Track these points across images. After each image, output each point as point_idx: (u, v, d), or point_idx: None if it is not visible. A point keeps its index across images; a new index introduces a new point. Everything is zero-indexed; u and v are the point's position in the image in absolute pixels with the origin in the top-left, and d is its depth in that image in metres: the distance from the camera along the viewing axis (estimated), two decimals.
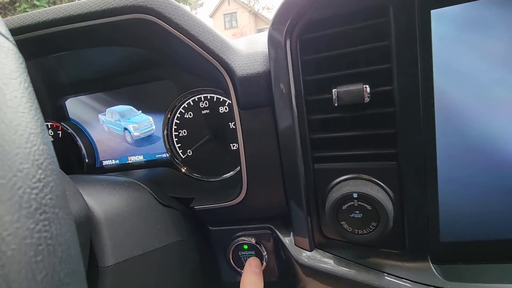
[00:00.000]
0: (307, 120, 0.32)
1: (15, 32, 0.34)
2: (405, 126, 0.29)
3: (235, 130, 0.51)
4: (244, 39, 0.54)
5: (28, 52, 0.38)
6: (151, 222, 0.34)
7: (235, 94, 0.35)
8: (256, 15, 22.30)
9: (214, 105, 0.52)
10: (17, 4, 5.50)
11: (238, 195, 0.38)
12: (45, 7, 5.16)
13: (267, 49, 0.33)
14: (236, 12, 21.42)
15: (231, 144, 0.52)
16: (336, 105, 0.30)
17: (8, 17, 0.35)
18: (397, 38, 0.28)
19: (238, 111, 0.35)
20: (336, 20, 0.29)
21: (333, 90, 0.30)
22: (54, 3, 5.40)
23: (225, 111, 0.51)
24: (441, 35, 0.27)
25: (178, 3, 0.34)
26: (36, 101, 0.12)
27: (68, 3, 0.33)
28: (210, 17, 22.68)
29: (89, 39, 0.35)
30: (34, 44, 0.36)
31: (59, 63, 0.45)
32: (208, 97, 0.52)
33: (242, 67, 0.34)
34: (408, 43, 0.27)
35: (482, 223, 0.30)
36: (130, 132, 0.58)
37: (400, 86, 0.28)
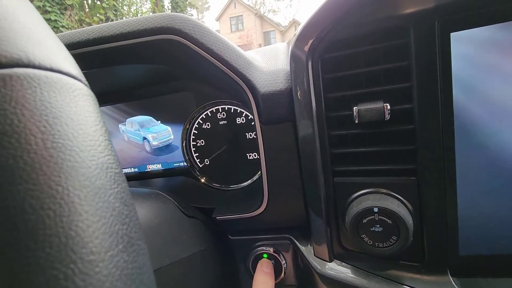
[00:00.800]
0: (328, 136, 0.33)
1: None
2: (425, 143, 0.30)
3: (252, 140, 0.53)
4: (258, 51, 0.56)
5: None
6: (176, 233, 0.36)
7: (257, 110, 0.36)
8: (262, 18, 22.39)
9: (232, 116, 0.53)
10: None
11: (259, 207, 0.39)
12: (57, 13, 5.27)
13: (289, 66, 0.34)
14: (242, 15, 21.55)
15: (247, 154, 0.54)
16: (356, 121, 0.31)
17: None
18: (417, 58, 0.29)
19: (260, 126, 0.37)
20: (357, 41, 0.30)
21: (354, 107, 0.31)
22: (66, 9, 5.52)
23: (242, 122, 0.53)
24: (460, 56, 0.28)
25: (199, 21, 0.36)
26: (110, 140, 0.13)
27: (105, 24, 0.35)
28: (217, 20, 22.87)
29: (122, 57, 0.37)
30: None
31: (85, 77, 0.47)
32: (226, 109, 0.53)
33: (264, 84, 0.35)
34: (428, 63, 0.28)
35: (501, 237, 0.31)
36: (149, 142, 0.60)
37: (420, 104, 0.29)
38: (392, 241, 0.31)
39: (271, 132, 0.37)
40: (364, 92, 0.31)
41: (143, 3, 9.06)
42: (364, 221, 0.32)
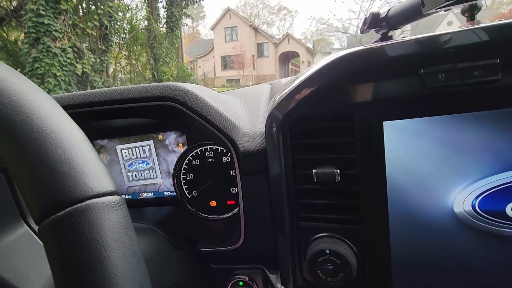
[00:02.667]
0: (294, 189, 0.42)
1: (70, 107, 0.44)
2: (366, 200, 0.39)
3: (235, 177, 0.61)
4: (244, 95, 0.64)
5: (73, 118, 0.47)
6: (166, 263, 0.43)
7: (238, 164, 0.44)
8: (256, 30, 22.78)
9: (218, 155, 0.61)
10: (22, 12, 5.61)
11: (237, 242, 0.47)
12: (51, 17, 5.27)
13: (264, 131, 0.42)
14: (236, 26, 21.88)
15: (231, 188, 0.62)
16: (315, 180, 0.40)
17: (67, 94, 0.44)
18: (360, 136, 0.37)
19: (240, 176, 0.45)
20: (317, 119, 0.39)
21: (313, 170, 0.39)
22: (60, 14, 5.53)
23: (227, 160, 0.61)
24: (391, 138, 0.37)
25: (194, 88, 0.44)
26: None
27: (115, 88, 0.43)
28: (211, 29, 23.11)
29: (127, 114, 0.45)
30: (80, 115, 0.45)
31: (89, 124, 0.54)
32: (214, 148, 0.61)
33: (244, 145, 0.43)
34: (367, 141, 0.37)
35: (428, 274, 0.39)
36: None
37: (362, 171, 0.38)
38: (340, 276, 0.39)
39: (249, 181, 0.45)
40: (321, 158, 0.40)
41: (138, 10, 9.15)
42: (319, 259, 0.40)
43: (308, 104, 0.38)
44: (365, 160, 0.38)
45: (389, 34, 0.49)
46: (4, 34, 6.94)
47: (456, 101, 0.35)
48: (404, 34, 0.49)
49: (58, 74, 5.48)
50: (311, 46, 28.32)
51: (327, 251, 0.39)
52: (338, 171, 0.38)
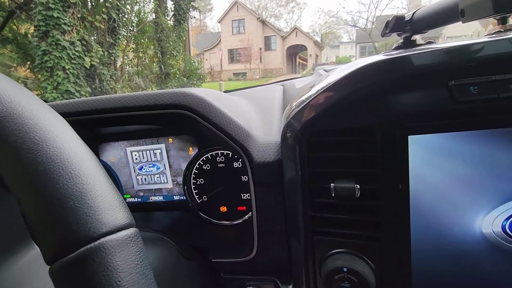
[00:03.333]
0: (310, 202, 0.40)
1: (81, 113, 0.43)
2: (387, 217, 0.37)
3: (246, 182, 0.59)
4: (250, 95, 0.63)
5: (84, 124, 0.46)
6: (177, 276, 0.42)
7: (251, 174, 0.43)
8: (263, 23, 22.53)
9: (229, 160, 0.60)
10: (32, 5, 5.63)
11: (250, 254, 0.45)
12: (60, 11, 5.29)
13: (279, 141, 0.41)
14: (244, 19, 21.66)
15: (242, 194, 0.60)
16: (333, 195, 0.38)
17: (78, 100, 0.43)
18: (382, 150, 0.35)
19: (254, 187, 0.43)
20: (337, 131, 0.37)
21: (331, 184, 0.38)
22: (69, 7, 5.54)
23: (239, 166, 0.59)
24: (416, 153, 0.35)
25: (208, 98, 0.43)
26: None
27: (127, 94, 0.41)
28: (219, 22, 22.94)
29: (136, 121, 0.43)
30: (91, 121, 0.44)
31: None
32: (225, 153, 0.60)
33: (259, 155, 0.42)
34: (390, 155, 0.35)
35: None
36: None
37: (384, 187, 0.36)
38: None
39: (263, 192, 0.43)
40: (340, 171, 0.38)
41: (146, 3, 9.11)
42: (336, 277, 0.38)
43: (328, 115, 0.36)
44: (387, 175, 0.36)
45: (412, 38, 0.46)
46: (15, 27, 7.00)
47: (489, 116, 0.32)
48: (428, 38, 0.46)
49: (67, 67, 5.50)
50: (319, 39, 27.91)
51: (345, 269, 0.37)
52: (358, 186, 0.37)
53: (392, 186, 0.36)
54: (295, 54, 25.04)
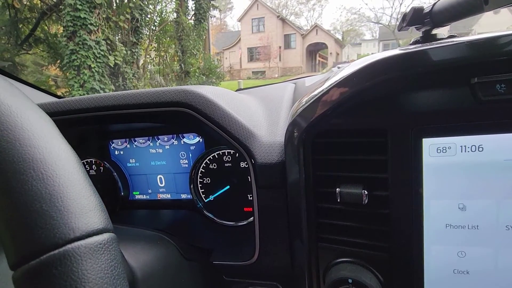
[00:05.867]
0: (314, 207, 0.38)
1: (84, 111, 0.43)
2: (397, 226, 0.34)
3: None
4: (259, 93, 0.61)
5: (90, 121, 0.46)
6: (177, 277, 0.41)
7: (254, 175, 0.41)
8: (283, 21, 22.35)
9: (236, 159, 0.58)
10: (62, 6, 5.91)
11: (252, 257, 0.44)
12: (86, 11, 5.51)
13: (283, 140, 0.38)
14: (264, 17, 21.58)
15: (248, 195, 0.59)
16: (338, 200, 0.35)
17: (81, 97, 0.43)
18: (394, 154, 0.32)
19: (256, 188, 0.41)
20: (344, 132, 0.35)
21: (337, 189, 0.35)
22: (95, 8, 5.76)
23: (246, 166, 0.58)
24: (431, 157, 0.31)
25: (209, 90, 0.41)
26: None
27: (129, 92, 0.41)
28: (239, 20, 23.03)
29: (140, 119, 0.43)
30: (95, 118, 0.44)
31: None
32: (231, 153, 0.58)
33: (261, 155, 0.40)
34: (402, 159, 0.32)
35: None
36: None
37: (394, 193, 0.33)
38: None
39: (266, 194, 0.41)
40: (347, 176, 0.35)
41: (168, 3, 9.29)
42: None
43: (336, 113, 0.34)
44: (398, 181, 0.33)
45: (433, 32, 0.42)
46: (46, 27, 7.38)
47: None
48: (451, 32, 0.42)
49: (92, 65, 5.73)
50: (340, 37, 27.29)
51: (350, 280, 0.35)
52: (366, 192, 0.34)
53: (403, 193, 0.33)
54: (315, 52, 24.63)
